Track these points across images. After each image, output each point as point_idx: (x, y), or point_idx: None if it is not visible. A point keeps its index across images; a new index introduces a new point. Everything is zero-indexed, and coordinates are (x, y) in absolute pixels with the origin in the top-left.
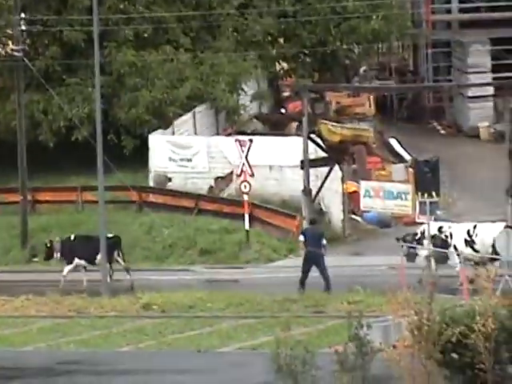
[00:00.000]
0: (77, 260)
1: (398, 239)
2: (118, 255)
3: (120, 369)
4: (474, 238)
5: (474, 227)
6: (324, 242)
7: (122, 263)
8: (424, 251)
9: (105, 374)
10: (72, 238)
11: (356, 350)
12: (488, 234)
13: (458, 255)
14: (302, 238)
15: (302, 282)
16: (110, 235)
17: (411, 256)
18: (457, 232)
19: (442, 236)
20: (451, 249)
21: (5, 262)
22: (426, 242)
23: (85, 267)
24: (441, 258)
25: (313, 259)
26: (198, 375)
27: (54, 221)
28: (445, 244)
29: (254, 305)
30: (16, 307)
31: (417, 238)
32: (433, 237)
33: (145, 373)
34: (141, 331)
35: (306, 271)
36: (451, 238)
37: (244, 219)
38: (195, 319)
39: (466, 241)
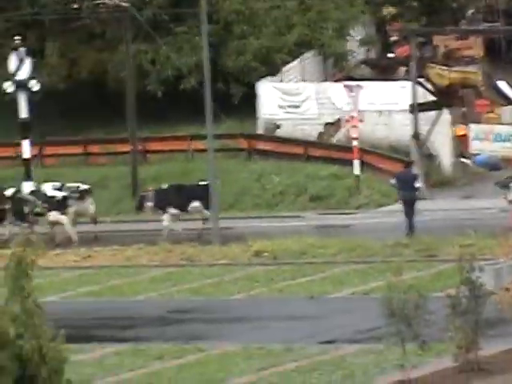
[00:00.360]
0: (170, 209)
1: (496, 183)
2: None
3: (232, 316)
4: None
5: None
6: (417, 184)
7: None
8: None
9: (217, 321)
10: (165, 187)
11: (468, 293)
12: None
13: None
14: (393, 181)
15: (410, 227)
16: (203, 183)
17: None
18: None
19: None
20: None
21: (116, 212)
22: None
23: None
24: None
25: (407, 202)
26: (311, 321)
27: (165, 170)
28: None
29: (366, 250)
30: (128, 257)
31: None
32: None
33: (257, 320)
34: (252, 279)
35: (407, 214)
36: None
37: (353, 165)
38: (307, 265)
39: None
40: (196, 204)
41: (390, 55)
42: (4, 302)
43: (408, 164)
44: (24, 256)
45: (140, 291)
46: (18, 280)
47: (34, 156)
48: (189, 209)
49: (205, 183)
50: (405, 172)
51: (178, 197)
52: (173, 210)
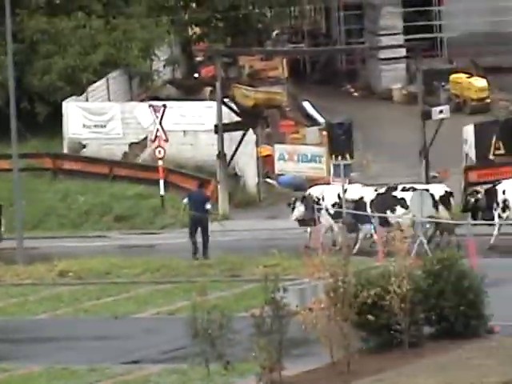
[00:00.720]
0: None
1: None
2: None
3: (37, 336)
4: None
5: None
6: (208, 206)
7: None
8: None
9: (22, 342)
10: None
11: (272, 313)
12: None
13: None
14: (185, 200)
15: (194, 245)
16: None
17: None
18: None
19: (314, 198)
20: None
21: None
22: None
23: None
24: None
25: (198, 223)
26: (115, 341)
27: None
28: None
29: (170, 270)
30: None
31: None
32: (304, 198)
33: (61, 340)
34: (57, 298)
35: (192, 234)
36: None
37: (159, 185)
38: (112, 285)
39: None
40: None
41: (196, 75)
42: None
43: (201, 184)
44: None
45: None
46: None
47: None
48: None
49: None
50: (197, 192)
51: None
52: None
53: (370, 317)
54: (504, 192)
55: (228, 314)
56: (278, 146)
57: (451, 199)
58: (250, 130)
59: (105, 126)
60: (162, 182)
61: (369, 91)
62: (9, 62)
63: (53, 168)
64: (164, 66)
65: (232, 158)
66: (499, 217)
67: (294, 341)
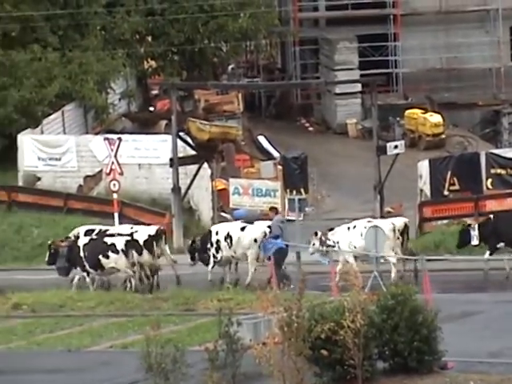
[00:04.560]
0: None
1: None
2: None
3: None
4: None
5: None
6: None
7: None
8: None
9: None
10: None
11: (226, 347)
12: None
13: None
14: None
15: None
16: None
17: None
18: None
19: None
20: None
21: None
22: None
23: None
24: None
25: None
26: (69, 374)
27: None
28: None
29: (125, 303)
30: None
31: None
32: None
33: (14, 373)
34: (11, 331)
35: None
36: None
37: (114, 218)
38: (66, 318)
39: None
40: None
41: (151, 109)
42: None
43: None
44: None
45: None
46: None
47: None
48: None
49: None
50: None
51: None
52: None
53: (323, 351)
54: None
55: (182, 348)
56: (232, 180)
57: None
58: (205, 164)
59: (60, 159)
60: (116, 215)
61: (324, 126)
62: None
63: (7, 200)
64: (119, 99)
65: (187, 192)
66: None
67: (247, 375)
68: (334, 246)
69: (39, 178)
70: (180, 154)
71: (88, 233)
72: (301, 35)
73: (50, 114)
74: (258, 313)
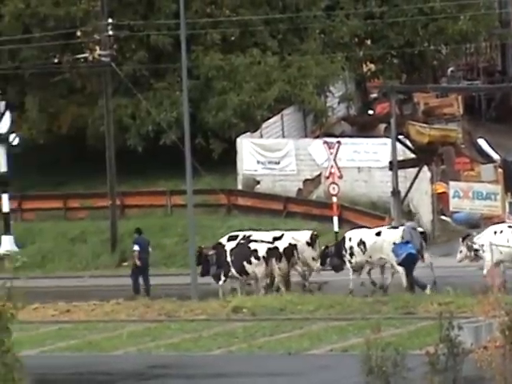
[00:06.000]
0: None
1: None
2: None
3: (211, 372)
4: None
5: None
6: (150, 249)
7: None
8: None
9: (195, 377)
10: None
11: (447, 351)
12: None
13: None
14: (137, 247)
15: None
16: None
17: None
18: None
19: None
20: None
21: (95, 267)
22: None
23: None
24: None
25: (146, 266)
26: (289, 378)
27: (143, 225)
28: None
29: (345, 307)
30: (106, 312)
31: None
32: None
33: (236, 376)
34: (231, 334)
35: (145, 278)
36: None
37: (333, 221)
38: (285, 321)
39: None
40: None
41: (370, 112)
42: None
43: (139, 230)
44: (4, 310)
45: (118, 346)
46: None
47: (12, 210)
48: None
49: None
50: (142, 238)
51: None
52: None
53: None
54: None
55: (402, 352)
56: (452, 183)
57: None
58: (425, 167)
59: (279, 163)
60: (335, 219)
61: None
62: (184, 98)
63: (227, 204)
64: (338, 103)
65: (406, 195)
66: None
67: (468, 379)
68: (478, 250)
69: (258, 182)
70: (399, 158)
71: (231, 238)
72: None
73: (269, 118)
74: (478, 316)
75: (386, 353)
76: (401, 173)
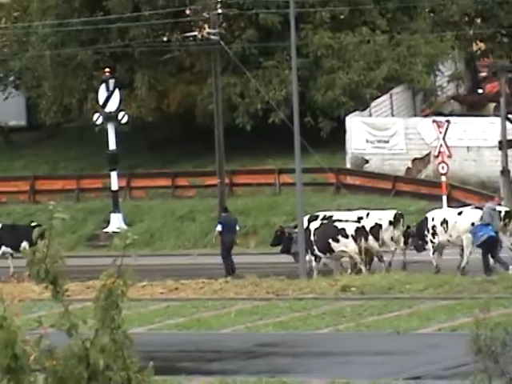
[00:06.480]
0: (3, 248)
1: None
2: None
3: (318, 350)
4: None
5: None
6: (237, 227)
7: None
8: None
9: (303, 355)
10: None
11: None
12: None
13: None
14: (220, 227)
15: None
16: (34, 224)
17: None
18: None
19: None
20: None
21: (203, 245)
22: None
23: (11, 254)
24: None
25: (230, 245)
26: (397, 356)
27: (252, 203)
28: None
29: (453, 286)
30: (215, 290)
31: None
32: None
33: (343, 355)
34: (339, 313)
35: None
36: None
37: (442, 200)
38: (394, 301)
39: None
40: (25, 244)
41: (480, 91)
42: (94, 333)
43: (226, 209)
44: (114, 288)
45: (227, 324)
46: (107, 311)
47: (121, 188)
48: (20, 249)
49: (35, 224)
50: (227, 216)
51: (11, 236)
52: (6, 249)
53: None
54: None
55: (511, 332)
56: None
57: None
58: None
59: (388, 142)
60: (444, 198)
61: None
62: (293, 76)
63: (336, 183)
64: (448, 82)
65: None
66: None
67: None
68: None
69: (367, 161)
70: (509, 137)
71: (312, 218)
72: None
73: (378, 97)
74: None
75: (495, 333)
76: (510, 152)
